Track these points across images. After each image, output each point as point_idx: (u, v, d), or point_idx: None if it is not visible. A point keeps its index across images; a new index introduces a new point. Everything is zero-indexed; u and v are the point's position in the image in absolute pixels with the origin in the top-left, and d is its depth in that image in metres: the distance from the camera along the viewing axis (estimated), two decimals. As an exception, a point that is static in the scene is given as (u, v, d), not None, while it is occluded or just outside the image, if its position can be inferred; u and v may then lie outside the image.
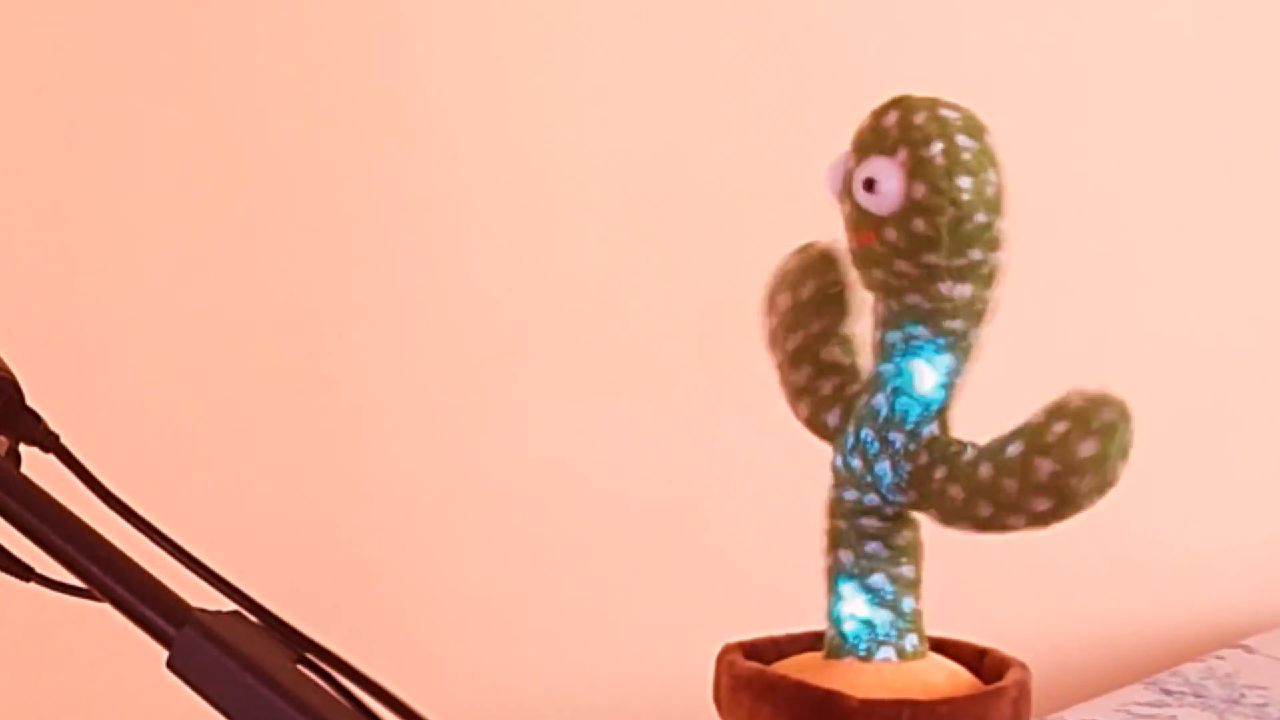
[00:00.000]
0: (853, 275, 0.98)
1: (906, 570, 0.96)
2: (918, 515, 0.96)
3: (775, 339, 1.01)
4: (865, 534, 0.96)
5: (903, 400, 0.94)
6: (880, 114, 0.94)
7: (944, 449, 0.93)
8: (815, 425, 1.00)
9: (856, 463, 0.96)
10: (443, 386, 1.98)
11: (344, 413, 1.96)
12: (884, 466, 0.94)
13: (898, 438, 0.94)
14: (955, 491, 0.90)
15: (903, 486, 0.93)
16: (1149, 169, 2.21)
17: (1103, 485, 0.87)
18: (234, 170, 1.91)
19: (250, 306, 1.92)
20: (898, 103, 0.94)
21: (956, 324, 0.93)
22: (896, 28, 2.09)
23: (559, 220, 2.01)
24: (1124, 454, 0.88)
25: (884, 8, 2.10)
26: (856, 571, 0.96)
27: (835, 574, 0.97)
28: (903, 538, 0.96)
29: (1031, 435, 0.88)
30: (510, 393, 2.01)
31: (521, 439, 2.01)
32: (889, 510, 0.94)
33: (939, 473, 0.92)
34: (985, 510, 0.89)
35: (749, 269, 1.99)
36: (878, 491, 0.94)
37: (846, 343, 1.00)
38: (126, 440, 1.86)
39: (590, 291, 2.02)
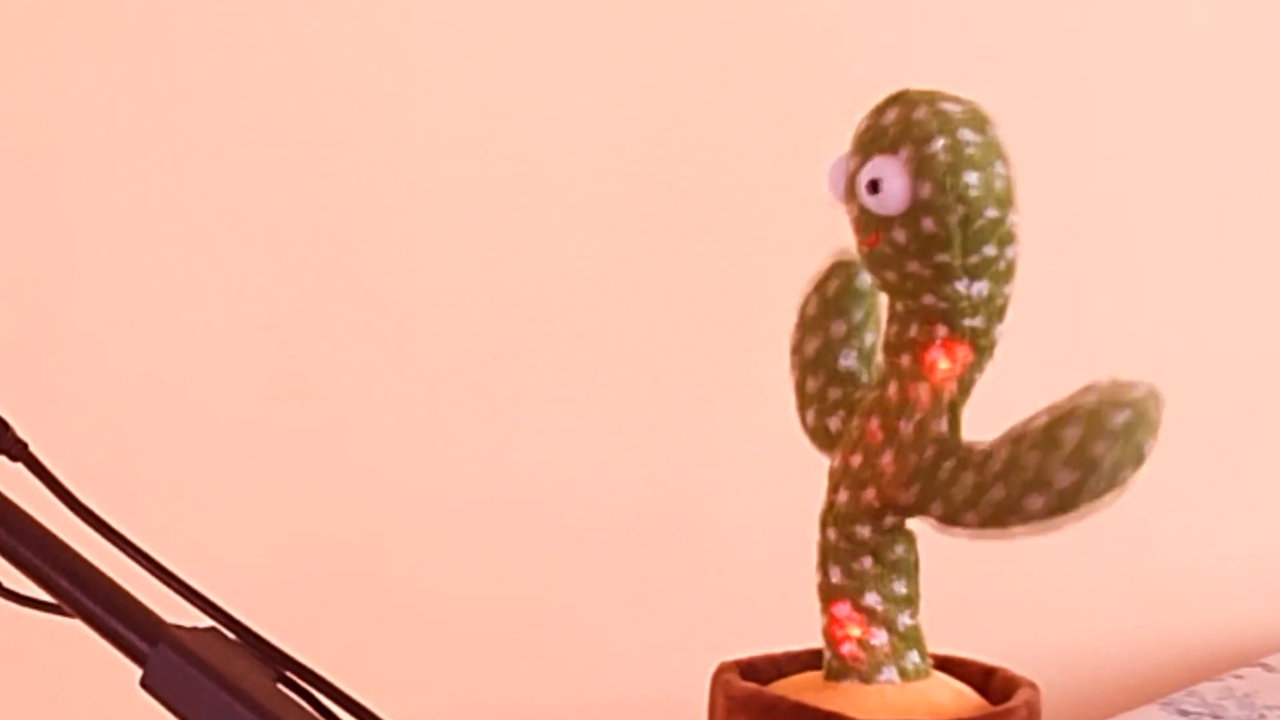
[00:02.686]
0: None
1: (900, 587, 0.96)
2: (914, 526, 0.96)
3: (796, 346, 1.01)
4: (857, 546, 0.95)
5: (915, 389, 0.94)
6: (879, 111, 0.94)
7: (953, 446, 0.93)
8: (818, 433, 1.00)
9: (857, 458, 0.95)
10: (426, 393, 1.98)
11: (324, 420, 1.96)
12: (888, 458, 0.94)
13: (906, 428, 0.94)
14: (968, 478, 0.90)
15: (905, 481, 0.93)
16: (1163, 175, 2.21)
17: (1131, 460, 0.87)
18: (208, 170, 1.91)
19: (225, 309, 1.92)
20: (896, 99, 0.94)
21: (976, 321, 0.93)
22: (896, 21, 2.09)
23: (547, 220, 2.01)
24: (1154, 431, 0.88)
25: (884, 2, 2.10)
26: (850, 590, 0.96)
27: (826, 592, 0.97)
28: (895, 553, 0.96)
29: (1058, 409, 0.88)
30: (496, 400, 2.01)
31: (508, 448, 2.01)
32: (886, 514, 0.94)
33: (948, 463, 0.92)
34: (999, 493, 0.88)
35: (747, 269, 2.00)
36: (877, 487, 0.94)
37: (864, 353, 1.00)
38: (98, 449, 1.86)
39: (580, 294, 2.02)
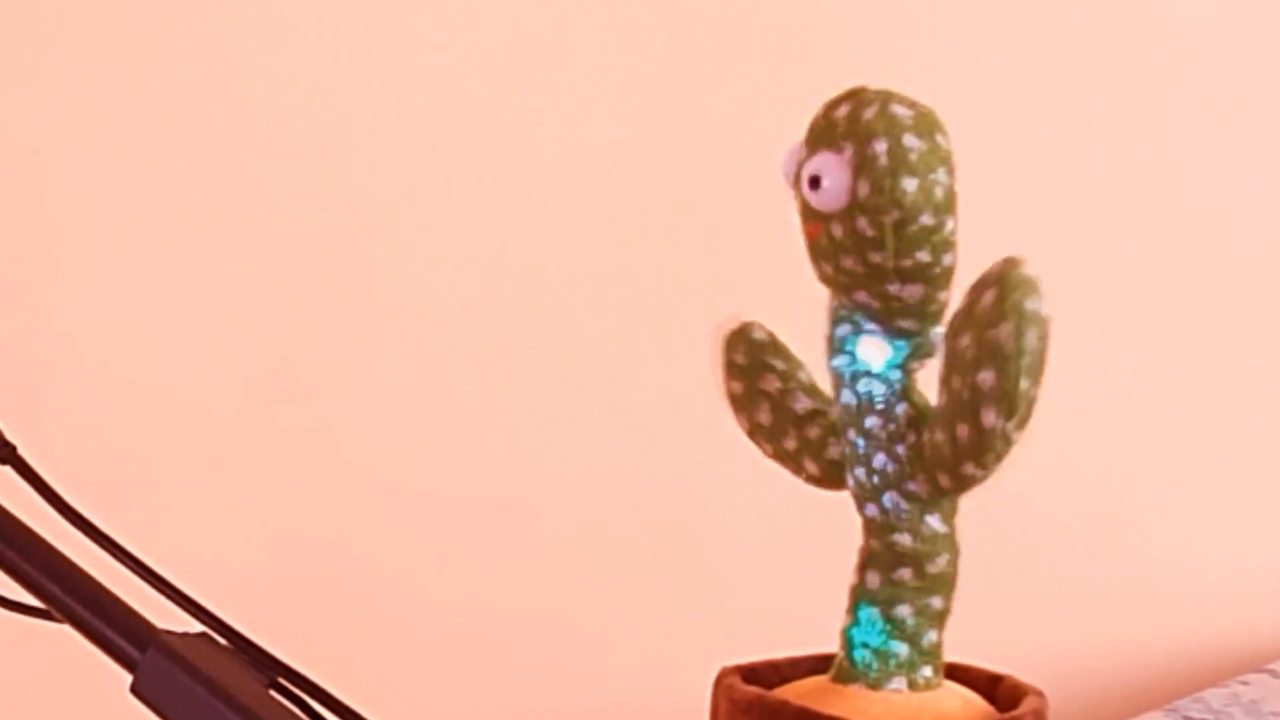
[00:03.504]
0: (773, 329, 0.99)
1: (936, 602, 0.95)
2: (956, 535, 0.95)
3: (750, 426, 1.02)
4: (898, 556, 0.95)
5: (864, 383, 0.95)
6: (833, 106, 0.95)
7: (928, 419, 0.93)
8: (830, 473, 0.99)
9: (861, 472, 0.96)
10: (420, 395, 1.98)
11: (316, 422, 1.96)
12: (881, 459, 0.95)
13: (875, 422, 0.94)
14: (939, 436, 0.90)
15: (909, 473, 0.93)
16: (1168, 176, 2.21)
17: (1031, 325, 0.87)
18: (199, 170, 1.91)
19: (216, 310, 1.92)
20: (851, 95, 0.94)
21: (909, 323, 0.94)
22: (896, 21, 2.09)
23: (542, 220, 2.01)
24: (1033, 289, 0.88)
25: (881, 4, 2.10)
26: (881, 598, 0.95)
27: (858, 596, 0.96)
28: (936, 565, 0.95)
29: (947, 333, 0.89)
30: (491, 402, 2.00)
31: (503, 450, 2.01)
32: (923, 513, 0.94)
33: (925, 436, 0.92)
34: (962, 431, 0.89)
35: (746, 270, 2.00)
36: (898, 490, 0.94)
37: (810, 386, 1.00)
38: (87, 452, 1.86)
39: (575, 295, 2.02)
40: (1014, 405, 0.87)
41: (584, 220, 2.02)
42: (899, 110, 0.92)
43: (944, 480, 0.92)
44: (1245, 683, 2.10)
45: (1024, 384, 0.87)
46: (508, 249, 2.00)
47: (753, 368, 1.00)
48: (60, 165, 1.87)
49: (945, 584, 0.95)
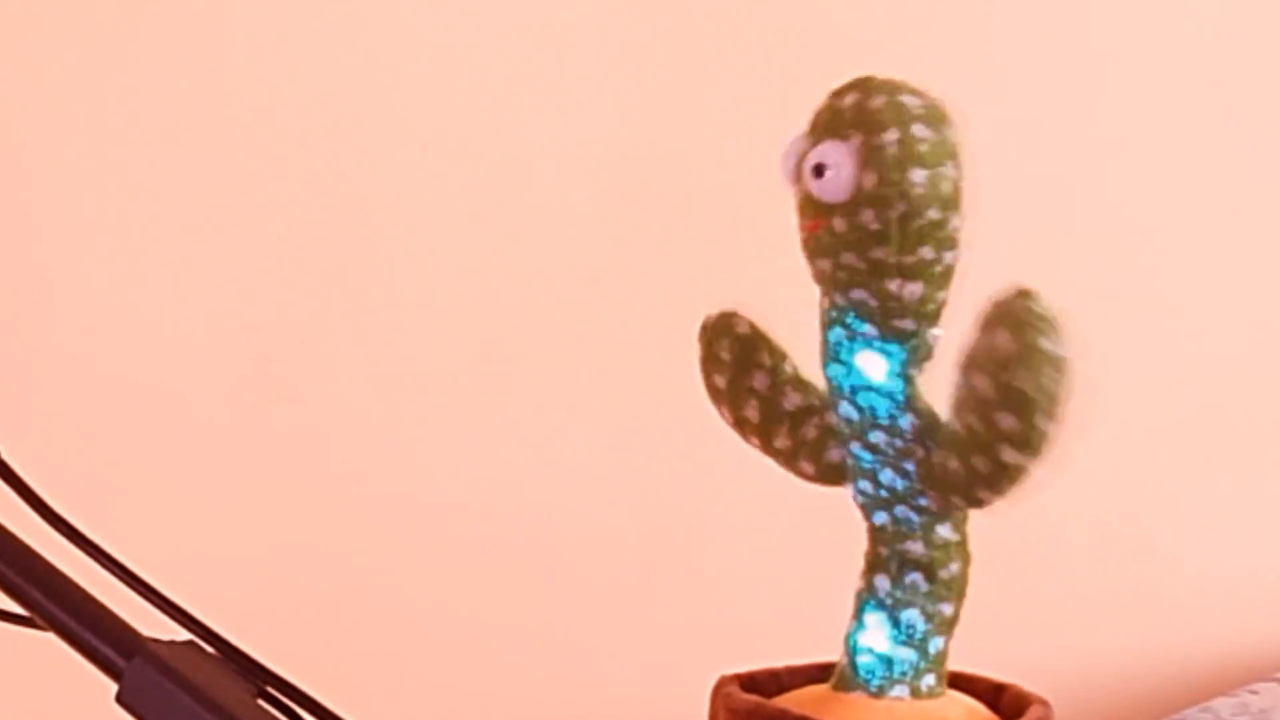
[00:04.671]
0: (759, 319, 0.98)
1: (945, 608, 0.95)
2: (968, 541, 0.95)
3: (738, 422, 1.01)
4: (909, 562, 0.95)
5: (864, 396, 0.94)
6: (839, 95, 0.94)
7: (934, 434, 0.92)
8: (827, 473, 0.99)
9: (868, 485, 0.95)
10: (411, 398, 1.98)
11: (305, 426, 1.96)
12: (889, 474, 0.94)
13: (881, 438, 0.94)
14: (953, 464, 0.90)
15: (919, 489, 0.93)
16: (1177, 177, 2.21)
17: (1043, 366, 0.86)
18: (187, 170, 1.91)
19: (203, 311, 1.92)
20: (858, 84, 0.94)
21: (906, 323, 0.93)
22: (895, 21, 2.09)
23: (536, 221, 2.01)
24: (1050, 328, 0.87)
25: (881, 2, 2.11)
26: (889, 603, 0.95)
27: (865, 600, 0.96)
28: (949, 571, 0.95)
29: (961, 368, 0.88)
30: (483, 407, 2.00)
31: (496, 455, 2.01)
32: (934, 525, 0.93)
33: (936, 457, 0.91)
34: (979, 463, 0.88)
35: (745, 272, 1.99)
36: (907, 504, 0.94)
37: (799, 380, 0.99)
38: (72, 456, 1.86)
39: (570, 297, 2.02)
40: (1035, 446, 0.86)
41: (579, 219, 2.02)
42: (908, 100, 0.92)
43: (957, 500, 0.91)
44: (1254, 692, 2.10)
45: (1045, 425, 0.86)
46: (501, 248, 2.00)
47: (739, 363, 0.99)
48: (44, 165, 1.87)
49: (956, 591, 0.95)
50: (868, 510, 0.95)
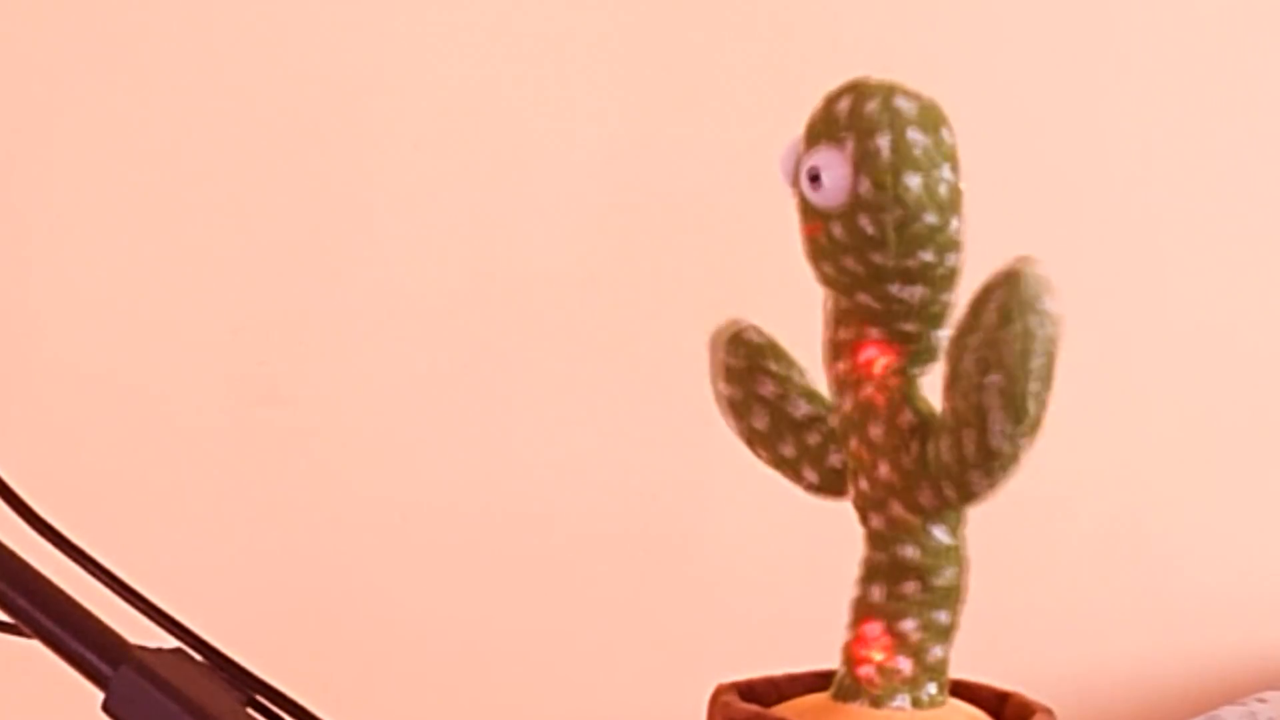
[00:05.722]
0: (771, 331, 0.99)
1: (942, 616, 0.95)
2: (964, 548, 0.95)
3: (746, 433, 1.01)
4: (903, 569, 0.95)
5: (865, 390, 0.94)
6: (834, 99, 0.94)
7: (931, 426, 0.93)
8: (830, 481, 0.99)
9: (864, 482, 0.95)
10: (403, 400, 1.98)
11: (295, 429, 1.96)
12: (884, 468, 0.94)
13: (878, 431, 0.94)
14: (944, 445, 0.90)
15: (913, 483, 0.93)
16: (1187, 178, 2.22)
17: (1035, 322, 0.86)
18: (178, 169, 1.91)
19: (193, 312, 1.92)
20: (853, 87, 0.94)
21: (909, 326, 0.93)
22: (894, 20, 2.09)
23: (531, 221, 2.01)
24: (1044, 288, 0.87)
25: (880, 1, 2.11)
26: (886, 612, 0.95)
27: (861, 609, 0.96)
28: (944, 578, 0.95)
29: (949, 351, 0.89)
30: (477, 409, 2.00)
31: (491, 458, 2.01)
32: (928, 524, 0.94)
33: (930, 447, 0.92)
34: (969, 439, 0.88)
35: (743, 274, 2.00)
36: (902, 501, 0.94)
37: (806, 389, 1.00)
38: (58, 460, 1.86)
39: (567, 297, 2.02)
40: (1022, 409, 0.87)
41: (574, 219, 2.02)
42: (902, 103, 0.92)
43: (950, 491, 0.92)
44: (1263, 700, 2.11)
45: (1033, 387, 0.86)
46: (495, 249, 2.00)
47: (749, 372, 1.00)
48: (38, 166, 1.87)
49: (952, 598, 0.95)
50: (864, 511, 0.96)
